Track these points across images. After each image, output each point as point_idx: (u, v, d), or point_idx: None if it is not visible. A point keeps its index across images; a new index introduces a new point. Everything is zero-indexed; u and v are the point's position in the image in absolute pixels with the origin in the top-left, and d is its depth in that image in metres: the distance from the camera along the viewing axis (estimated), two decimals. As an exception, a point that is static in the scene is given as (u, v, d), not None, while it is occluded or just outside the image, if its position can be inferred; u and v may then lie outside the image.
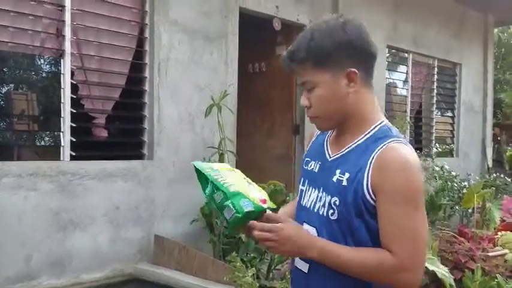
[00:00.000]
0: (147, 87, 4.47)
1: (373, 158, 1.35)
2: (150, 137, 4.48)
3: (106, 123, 4.43)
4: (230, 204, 1.41)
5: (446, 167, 6.08)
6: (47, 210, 3.78)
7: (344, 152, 1.45)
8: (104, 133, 4.44)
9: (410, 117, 7.49)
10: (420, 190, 1.35)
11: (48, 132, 3.97)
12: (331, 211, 1.40)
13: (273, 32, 5.41)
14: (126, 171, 4.30)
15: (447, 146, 7.41)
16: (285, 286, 3.47)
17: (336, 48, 1.38)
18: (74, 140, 3.99)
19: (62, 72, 3.94)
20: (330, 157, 1.49)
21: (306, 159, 1.61)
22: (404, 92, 7.71)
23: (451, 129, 8.50)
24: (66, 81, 3.94)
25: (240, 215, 1.40)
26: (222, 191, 1.44)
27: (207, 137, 4.83)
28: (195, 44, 4.73)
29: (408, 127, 6.80)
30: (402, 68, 7.69)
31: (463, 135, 8.53)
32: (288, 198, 4.59)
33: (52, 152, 4.03)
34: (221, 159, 4.53)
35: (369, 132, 1.43)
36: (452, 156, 8.23)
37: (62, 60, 3.94)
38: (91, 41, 4.15)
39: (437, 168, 5.83)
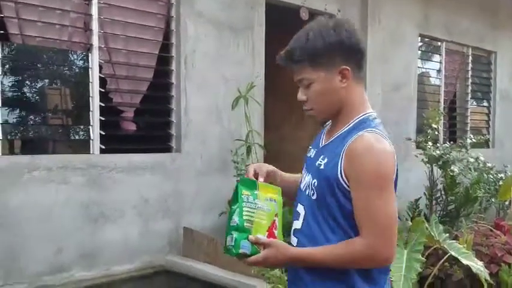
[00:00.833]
0: (173, 80, 4.47)
1: (345, 147, 1.49)
2: (178, 129, 4.49)
3: (134, 117, 4.46)
4: (234, 237, 1.55)
5: (482, 158, 5.88)
6: (78, 203, 3.83)
7: (330, 141, 1.61)
8: (133, 126, 4.47)
9: (444, 107, 7.28)
10: (383, 174, 1.46)
11: (77, 126, 4.02)
12: (312, 192, 1.57)
13: (300, 22, 5.33)
14: (155, 164, 4.32)
15: (482, 137, 7.17)
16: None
17: (328, 48, 1.52)
18: (103, 133, 4.02)
19: (90, 66, 3.98)
20: (321, 145, 1.66)
21: (310, 147, 1.77)
22: (437, 82, 7.50)
23: (486, 119, 8.23)
24: (94, 75, 3.98)
25: (234, 251, 1.56)
26: (238, 220, 1.56)
27: (234, 129, 4.80)
28: (222, 36, 4.70)
29: (442, 118, 6.60)
30: (435, 57, 7.47)
31: (498, 125, 8.25)
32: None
33: (82, 146, 4.08)
34: (248, 152, 4.51)
35: (351, 123, 1.56)
36: (487, 147, 7.98)
37: (89, 54, 3.98)
38: (118, 34, 4.17)
39: (472, 160, 5.63)
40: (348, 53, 1.54)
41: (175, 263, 4.22)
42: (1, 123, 3.55)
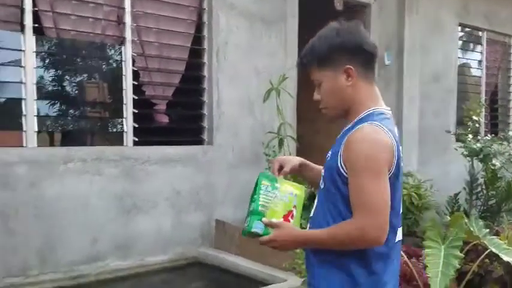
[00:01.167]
0: (205, 72, 4.47)
1: (346, 138, 1.61)
2: (210, 122, 4.49)
3: (166, 109, 4.48)
4: (249, 218, 1.72)
5: (525, 151, 5.62)
6: (112, 194, 3.89)
7: (339, 135, 1.70)
8: (165, 119, 4.49)
9: (485, 99, 7.01)
10: (374, 161, 1.54)
11: (111, 119, 4.07)
12: (322, 182, 1.71)
13: (334, 12, 5.22)
14: (187, 156, 4.34)
15: (525, 129, 6.86)
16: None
17: (331, 50, 1.65)
18: (137, 126, 4.06)
19: (123, 59, 4.02)
20: (335, 141, 1.75)
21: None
22: (478, 73, 7.23)
23: (530, 111, 7.87)
24: (127, 68, 4.02)
25: (247, 230, 1.71)
26: (254, 205, 1.72)
27: (266, 121, 4.76)
28: (254, 28, 4.66)
29: (483, 110, 6.36)
30: (476, 48, 7.20)
31: (544, 118, 7.88)
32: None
33: (116, 138, 4.14)
34: (280, 144, 4.46)
35: (357, 118, 1.66)
36: (531, 140, 7.63)
37: (123, 47, 4.02)
38: (151, 27, 4.19)
39: (514, 153, 5.40)
40: (351, 53, 1.65)
41: (208, 255, 4.23)
42: (37, 116, 3.63)
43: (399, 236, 1.71)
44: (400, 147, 1.64)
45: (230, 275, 3.96)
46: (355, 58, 1.65)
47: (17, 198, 3.48)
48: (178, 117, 4.78)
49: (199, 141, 4.51)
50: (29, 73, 3.55)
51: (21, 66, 3.53)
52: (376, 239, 1.55)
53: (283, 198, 1.74)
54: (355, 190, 1.55)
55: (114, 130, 4.17)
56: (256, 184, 1.76)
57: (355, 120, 1.65)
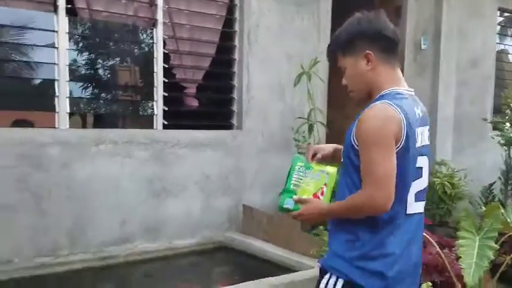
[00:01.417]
0: (236, 55, 4.41)
1: (358, 116, 1.73)
2: (239, 106, 4.45)
3: (196, 93, 4.46)
4: (281, 196, 1.91)
5: None
6: (142, 177, 3.90)
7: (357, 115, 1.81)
8: (195, 102, 4.48)
9: (524, 86, 6.73)
10: (381, 134, 1.67)
11: (142, 102, 4.07)
12: (342, 158, 1.83)
13: (369, -5, 5.07)
14: (216, 141, 4.32)
15: None
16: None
17: (351, 38, 1.79)
18: (166, 109, 4.05)
19: (154, 41, 4.00)
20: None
21: None
22: (518, 59, 6.94)
23: None
24: (158, 51, 4.00)
25: (280, 205, 1.92)
26: (287, 184, 1.91)
27: (296, 106, 4.69)
28: (285, 10, 4.57)
29: (522, 97, 6.11)
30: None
31: None
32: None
33: (146, 121, 4.14)
34: (310, 130, 4.39)
35: (374, 99, 1.78)
36: None
37: (154, 29, 4.00)
38: (182, 9, 4.15)
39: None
40: (371, 40, 1.77)
41: (235, 239, 4.22)
42: (69, 97, 3.66)
43: (414, 208, 1.80)
44: (416, 125, 1.73)
45: (257, 260, 3.95)
46: (374, 44, 1.77)
47: (50, 179, 3.53)
48: (208, 101, 4.75)
49: (229, 126, 4.48)
50: (62, 54, 3.57)
51: (54, 47, 3.55)
52: (382, 207, 1.67)
53: (314, 177, 1.91)
54: (364, 163, 1.69)
55: (145, 113, 4.17)
56: (291, 164, 1.95)
57: (373, 100, 1.77)
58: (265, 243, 4.00)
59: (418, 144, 1.76)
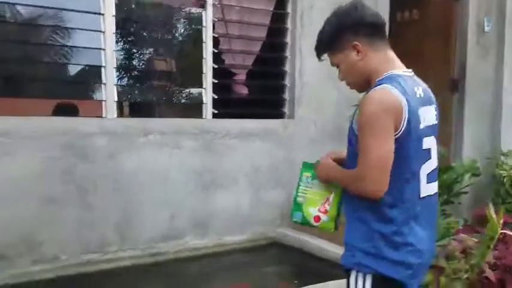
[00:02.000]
0: (288, 39, 4.12)
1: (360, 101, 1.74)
2: (291, 94, 4.16)
3: (246, 80, 4.19)
4: (291, 209, 1.96)
5: None
6: (191, 169, 3.68)
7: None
8: (245, 90, 4.21)
9: None
10: (377, 118, 1.65)
11: (190, 89, 3.83)
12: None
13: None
14: (267, 131, 4.05)
15: None
16: (453, 267, 2.97)
17: (334, 35, 1.80)
18: (216, 97, 3.80)
19: (203, 24, 3.74)
20: None
21: None
22: None
23: None
24: (208, 35, 3.74)
25: (291, 219, 1.98)
26: (294, 195, 1.95)
27: (351, 93, 4.31)
28: (341, -10, 4.23)
29: None
30: None
31: None
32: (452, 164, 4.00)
33: (194, 110, 3.90)
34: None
35: (373, 85, 1.75)
36: None
37: (203, 11, 3.73)
38: (232, -11, 3.88)
39: None
40: (353, 30, 1.77)
41: (287, 235, 3.97)
42: (116, 85, 3.44)
43: (427, 190, 1.78)
44: (417, 106, 1.70)
45: (313, 259, 3.68)
46: (359, 33, 1.76)
47: (96, 171, 3.33)
48: (258, 88, 4.46)
49: (280, 115, 4.20)
50: (109, 39, 3.34)
51: (100, 31, 3.33)
52: (373, 192, 1.68)
53: (321, 186, 1.90)
54: (359, 147, 1.69)
55: (193, 102, 3.92)
56: (300, 174, 1.97)
57: (372, 86, 1.74)
58: (321, 241, 3.72)
59: (421, 126, 1.73)
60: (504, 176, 4.63)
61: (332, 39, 1.81)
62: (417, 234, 1.74)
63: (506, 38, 5.15)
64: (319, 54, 1.90)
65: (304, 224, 1.95)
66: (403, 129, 1.68)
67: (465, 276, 2.95)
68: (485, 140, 5.23)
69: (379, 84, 1.72)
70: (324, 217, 1.92)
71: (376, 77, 1.76)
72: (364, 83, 1.82)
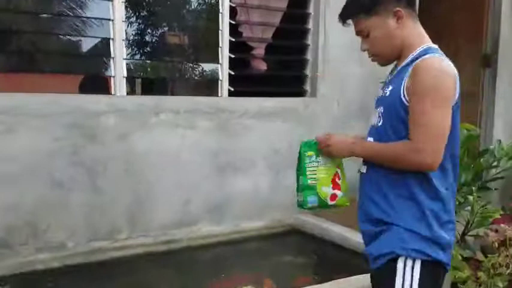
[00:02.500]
0: (311, 9, 3.80)
1: (409, 69, 1.61)
2: (314, 70, 3.87)
3: (265, 54, 3.89)
4: (303, 195, 1.81)
5: None
6: (206, 150, 3.43)
7: (395, 73, 1.73)
8: (263, 66, 3.91)
9: None
10: (439, 88, 1.56)
11: (205, 64, 3.55)
12: (379, 119, 1.69)
13: None
14: (286, 109, 3.77)
15: None
16: (493, 261, 2.72)
17: None
18: (233, 73, 3.52)
19: (220, -7, 3.43)
20: (387, 80, 1.78)
21: (382, 85, 1.83)
22: None
23: None
24: (225, 5, 3.44)
25: (305, 206, 1.82)
26: (304, 180, 1.80)
27: (378, 69, 3.99)
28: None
29: None
30: None
31: None
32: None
33: (209, 87, 3.63)
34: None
35: (414, 53, 1.65)
36: None
37: (220, -21, 3.42)
38: (250, -46, 3.55)
39: None
40: None
41: (307, 222, 3.73)
42: (125, 59, 3.16)
43: None
44: None
45: (334, 247, 3.45)
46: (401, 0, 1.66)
47: (105, 152, 3.09)
48: (278, 63, 4.15)
49: (301, 93, 3.91)
50: (117, 9, 3.05)
51: (108, 0, 3.04)
52: (430, 164, 1.57)
53: (326, 162, 1.81)
54: (417, 113, 1.56)
55: (208, 78, 3.64)
56: (300, 154, 1.83)
57: (414, 54, 1.64)
58: (343, 228, 3.48)
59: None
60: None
61: (372, 2, 1.66)
62: (453, 212, 1.71)
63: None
64: (347, 17, 1.73)
65: (319, 207, 1.84)
66: (455, 103, 1.61)
67: (507, 271, 2.71)
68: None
69: (424, 54, 1.61)
70: (339, 193, 1.84)
71: (410, 48, 1.66)
72: (393, 56, 1.71)
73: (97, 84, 3.37)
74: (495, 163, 3.47)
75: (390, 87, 1.68)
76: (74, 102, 3.02)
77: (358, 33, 1.75)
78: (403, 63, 1.67)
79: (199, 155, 3.42)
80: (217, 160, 3.49)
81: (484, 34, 4.66)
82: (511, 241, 2.84)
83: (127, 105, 3.14)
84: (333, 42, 3.82)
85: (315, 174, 1.80)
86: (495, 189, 3.61)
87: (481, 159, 3.30)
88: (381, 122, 1.69)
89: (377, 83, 3.89)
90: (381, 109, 1.70)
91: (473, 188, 3.06)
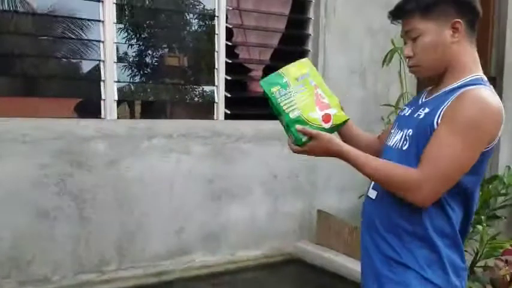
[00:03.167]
0: (311, 31, 3.69)
1: (456, 94, 1.43)
2: (313, 92, 3.72)
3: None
4: (292, 130, 1.56)
5: None
6: (200, 176, 3.27)
7: (435, 95, 1.53)
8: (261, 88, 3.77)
9: None
10: (477, 125, 1.37)
11: (200, 86, 3.42)
12: (404, 142, 1.53)
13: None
14: (284, 133, 3.61)
15: None
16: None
17: (442, 0, 1.48)
18: (229, 95, 3.38)
19: (216, 14, 3.31)
20: (423, 101, 1.59)
21: (404, 107, 1.72)
22: None
23: None
24: (221, 26, 3.32)
25: (299, 144, 1.58)
26: (285, 118, 1.57)
27: (380, 92, 3.94)
28: (369, -25, 3.79)
29: None
30: None
31: None
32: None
33: (204, 110, 3.50)
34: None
35: (462, 80, 1.48)
36: None
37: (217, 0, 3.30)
38: (248, -26, 3.45)
39: None
40: (461, 7, 1.49)
41: (308, 251, 3.55)
42: (116, 82, 3.03)
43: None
44: None
45: (337, 279, 3.27)
46: (464, 14, 1.49)
47: (94, 180, 2.93)
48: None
49: (300, 115, 3.77)
50: (108, 29, 2.93)
51: (99, 21, 2.92)
52: (420, 203, 1.43)
53: (300, 89, 1.60)
54: (439, 143, 1.39)
55: (204, 101, 3.51)
56: (267, 96, 1.63)
57: (461, 82, 1.47)
58: (346, 259, 3.31)
59: None
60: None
61: (434, 2, 1.48)
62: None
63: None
64: (401, 13, 1.53)
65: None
66: (491, 147, 1.45)
67: (521, 309, 2.53)
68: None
69: (477, 84, 1.44)
70: (331, 111, 1.61)
71: (460, 72, 1.49)
72: (436, 70, 1.52)
73: (92, 107, 3.23)
74: (503, 190, 3.31)
75: (427, 110, 1.51)
76: (62, 127, 2.88)
77: (405, 33, 1.55)
78: (450, 86, 1.50)
79: (194, 181, 3.26)
80: (213, 186, 3.33)
81: (488, 57, 4.55)
82: (524, 275, 2.66)
83: (118, 129, 3.00)
84: (333, 64, 3.71)
85: (293, 105, 1.58)
86: (504, 217, 3.45)
87: (490, 186, 3.15)
88: (406, 145, 1.52)
89: (378, 105, 3.81)
90: (410, 132, 1.53)
91: (482, 217, 2.89)
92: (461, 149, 1.37)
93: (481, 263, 3.13)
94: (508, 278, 2.73)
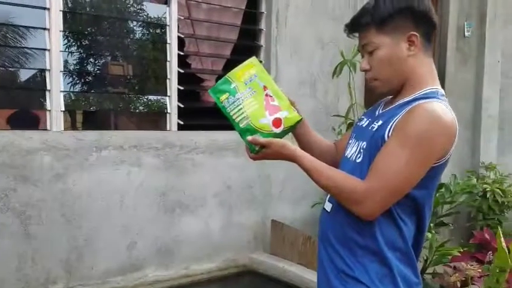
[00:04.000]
0: (262, 42, 3.70)
1: (407, 108, 1.43)
2: (266, 103, 3.73)
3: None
4: (245, 140, 1.54)
5: None
6: (152, 189, 3.19)
7: (390, 107, 1.53)
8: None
9: None
10: (427, 140, 1.36)
11: (152, 96, 3.34)
12: (358, 155, 1.52)
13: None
14: (238, 143, 3.55)
15: None
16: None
17: (397, 13, 1.46)
18: (182, 106, 3.33)
19: (167, 23, 3.26)
20: (378, 113, 1.58)
21: (362, 116, 1.71)
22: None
23: None
24: (172, 36, 3.27)
25: (253, 152, 1.55)
26: (236, 128, 1.55)
27: (330, 103, 4.01)
28: (319, -13, 3.86)
29: None
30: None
31: None
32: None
33: (157, 121, 3.42)
34: (349, 130, 3.71)
35: (417, 93, 1.48)
36: None
37: (168, 8, 3.25)
38: (199, -15, 3.42)
39: None
40: (417, 19, 1.48)
41: (263, 262, 3.53)
42: (63, 91, 2.91)
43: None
44: None
45: (292, 288, 3.27)
46: (420, 26, 1.48)
47: (39, 195, 2.79)
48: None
49: (253, 126, 3.77)
50: (55, 38, 2.81)
51: (45, 29, 2.80)
52: (366, 212, 1.41)
53: (248, 94, 1.55)
54: (387, 155, 1.38)
55: (155, 111, 3.44)
56: (216, 104, 1.58)
57: (416, 95, 1.46)
58: (305, 270, 3.31)
59: None
60: (487, 191, 4.38)
61: (388, 16, 1.45)
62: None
63: (487, 43, 4.93)
64: (356, 26, 1.52)
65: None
66: (444, 161, 1.43)
67: (471, 314, 2.62)
68: (465, 153, 4.98)
69: (432, 97, 1.43)
70: (281, 114, 1.56)
71: (416, 84, 1.47)
72: (395, 84, 1.51)
73: (29, 118, 3.08)
74: (449, 198, 3.43)
75: (380, 122, 1.50)
76: (3, 139, 2.73)
77: (362, 47, 1.54)
78: (406, 99, 1.48)
79: (146, 194, 3.18)
80: (165, 199, 3.26)
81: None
82: (472, 280, 2.75)
83: (64, 141, 2.88)
84: (285, 75, 3.74)
85: (242, 113, 1.54)
86: (451, 224, 3.58)
87: (437, 194, 3.26)
88: (360, 158, 1.51)
89: (328, 116, 3.88)
90: (364, 144, 1.51)
91: (431, 224, 2.99)
92: (408, 162, 1.36)
93: (430, 270, 3.22)
94: (459, 284, 2.82)
